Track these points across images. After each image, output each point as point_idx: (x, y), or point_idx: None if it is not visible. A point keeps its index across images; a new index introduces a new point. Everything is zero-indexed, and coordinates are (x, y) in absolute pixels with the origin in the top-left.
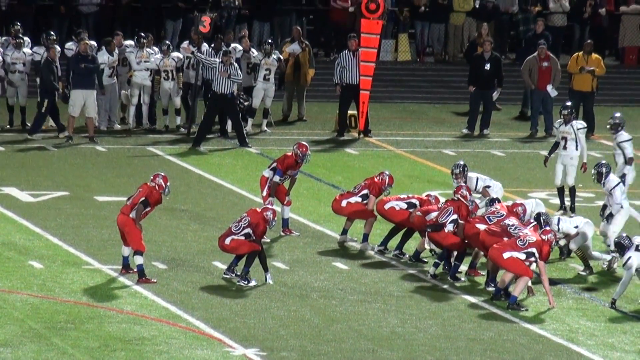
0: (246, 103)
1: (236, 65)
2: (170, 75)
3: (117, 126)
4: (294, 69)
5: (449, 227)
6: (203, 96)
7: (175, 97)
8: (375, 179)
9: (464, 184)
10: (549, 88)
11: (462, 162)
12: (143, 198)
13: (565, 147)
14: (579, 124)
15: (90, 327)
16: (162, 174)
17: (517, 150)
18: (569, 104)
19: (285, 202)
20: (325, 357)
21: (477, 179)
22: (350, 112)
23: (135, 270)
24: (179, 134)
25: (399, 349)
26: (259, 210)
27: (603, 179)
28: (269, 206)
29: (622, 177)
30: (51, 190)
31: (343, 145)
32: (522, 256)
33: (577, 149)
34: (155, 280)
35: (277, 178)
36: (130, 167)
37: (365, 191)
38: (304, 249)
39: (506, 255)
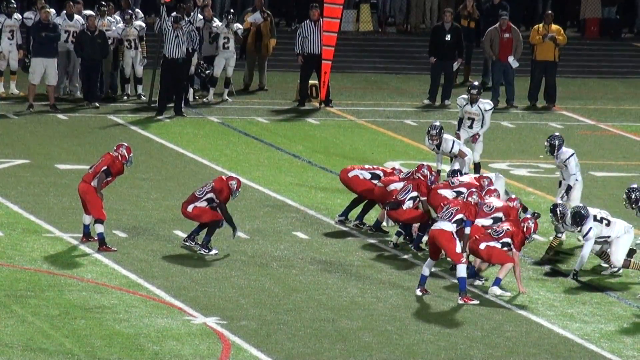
0: (207, 72)
1: (192, 34)
2: (133, 44)
3: (79, 94)
4: (255, 39)
5: (408, 204)
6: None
7: (138, 65)
8: (418, 176)
9: (425, 164)
10: (511, 59)
11: (438, 123)
12: (105, 167)
13: (471, 127)
14: (487, 104)
15: (51, 295)
16: (126, 144)
17: None
18: (476, 83)
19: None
20: (284, 327)
21: (454, 141)
22: (311, 81)
23: (95, 238)
24: (141, 102)
25: (359, 318)
26: (224, 178)
27: (556, 151)
28: (234, 175)
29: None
30: (11, 158)
31: (304, 115)
32: (499, 246)
33: (482, 128)
34: (115, 249)
35: None
36: (92, 135)
37: (414, 193)
38: (264, 218)
39: (482, 245)
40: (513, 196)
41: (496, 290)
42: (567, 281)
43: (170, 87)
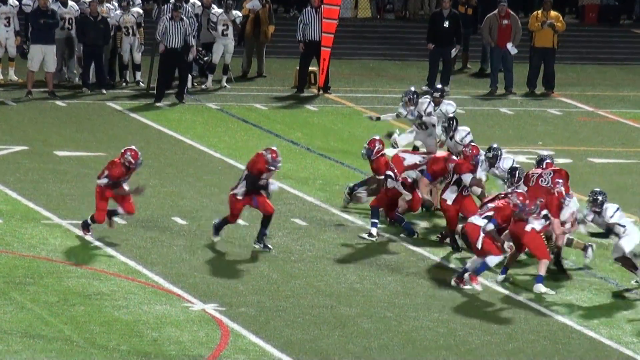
0: (206, 59)
1: (191, 20)
2: (130, 30)
3: (77, 81)
4: (253, 25)
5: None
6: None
7: (136, 52)
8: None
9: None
10: (509, 46)
11: (412, 88)
12: (106, 172)
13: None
14: (451, 106)
15: (49, 281)
16: (133, 148)
17: (476, 108)
18: (439, 86)
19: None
20: (283, 313)
21: (429, 102)
22: (310, 68)
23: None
24: (139, 89)
25: (358, 305)
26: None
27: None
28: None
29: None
30: (10, 145)
31: (303, 102)
32: (539, 227)
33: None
34: (90, 233)
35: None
36: (90, 122)
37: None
38: None
39: (528, 227)
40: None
41: (541, 287)
42: (566, 267)
43: (168, 74)
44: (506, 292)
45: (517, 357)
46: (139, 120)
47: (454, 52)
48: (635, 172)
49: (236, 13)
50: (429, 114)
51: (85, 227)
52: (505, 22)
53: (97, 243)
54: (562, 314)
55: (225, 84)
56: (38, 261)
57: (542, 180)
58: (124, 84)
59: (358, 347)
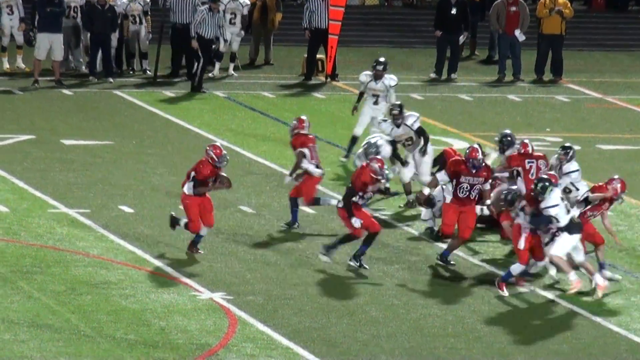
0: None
1: (220, 15)
2: (137, 19)
3: (84, 69)
4: (261, 13)
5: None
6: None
7: (142, 40)
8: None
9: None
10: (517, 33)
11: (398, 102)
12: (193, 175)
13: (376, 103)
14: (392, 80)
15: (57, 270)
16: (216, 145)
17: (484, 95)
18: (382, 59)
19: None
20: (291, 301)
21: (417, 117)
22: (317, 56)
23: (200, 250)
24: (146, 77)
25: (366, 293)
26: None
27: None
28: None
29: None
30: (17, 134)
31: (310, 90)
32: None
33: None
34: (201, 251)
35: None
36: (97, 110)
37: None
38: (271, 193)
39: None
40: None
41: (607, 273)
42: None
43: (205, 60)
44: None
45: (526, 345)
46: (146, 108)
47: (461, 39)
48: None
49: (244, 1)
50: (413, 130)
51: (194, 244)
52: (513, 8)
53: (104, 232)
54: (570, 301)
55: (233, 72)
56: (45, 250)
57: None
58: (131, 72)
59: (366, 335)
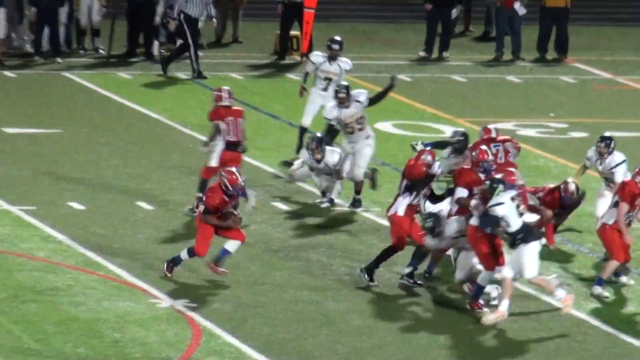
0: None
1: None
2: None
3: (29, 48)
4: None
5: None
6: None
7: (95, 16)
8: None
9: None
10: (517, 6)
11: (345, 83)
12: (202, 203)
13: (325, 89)
14: (347, 63)
15: None
16: (233, 170)
17: (480, 75)
18: (338, 38)
19: None
20: (262, 310)
21: (367, 93)
22: (292, 32)
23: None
24: (98, 57)
25: (346, 300)
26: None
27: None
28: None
29: None
30: None
31: (284, 70)
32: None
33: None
34: (226, 271)
35: None
36: (44, 94)
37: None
38: None
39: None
40: None
41: (622, 278)
42: (581, 256)
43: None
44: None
45: (531, 355)
46: (99, 92)
47: (454, 12)
48: None
49: None
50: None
51: (170, 264)
52: None
53: (52, 231)
54: (578, 308)
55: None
56: None
57: None
58: (82, 51)
59: (347, 347)
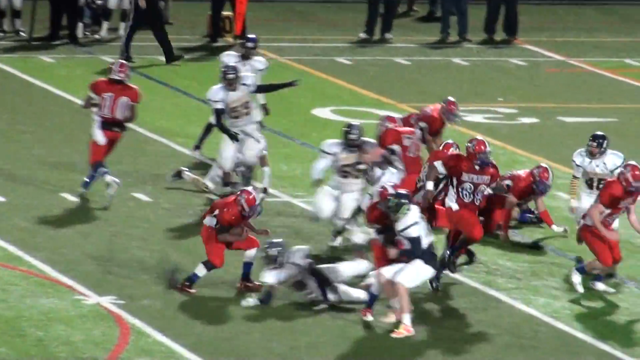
0: (99, 2)
1: None
2: None
3: None
4: None
5: None
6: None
7: None
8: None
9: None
10: None
11: (233, 64)
12: (215, 222)
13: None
14: (259, 62)
15: None
16: (251, 190)
17: (424, 58)
18: (252, 35)
19: None
20: (195, 306)
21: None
22: (224, 13)
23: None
24: (19, 40)
25: (283, 297)
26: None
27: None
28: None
29: None
30: None
31: (216, 53)
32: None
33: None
34: (194, 291)
35: None
36: None
37: None
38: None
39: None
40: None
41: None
42: (532, 250)
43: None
44: (462, 279)
45: (481, 353)
46: (19, 76)
47: None
48: (614, 132)
49: None
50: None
51: (188, 282)
52: None
53: None
54: (527, 303)
55: (123, 33)
56: None
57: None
58: (1, 34)
59: (283, 346)
